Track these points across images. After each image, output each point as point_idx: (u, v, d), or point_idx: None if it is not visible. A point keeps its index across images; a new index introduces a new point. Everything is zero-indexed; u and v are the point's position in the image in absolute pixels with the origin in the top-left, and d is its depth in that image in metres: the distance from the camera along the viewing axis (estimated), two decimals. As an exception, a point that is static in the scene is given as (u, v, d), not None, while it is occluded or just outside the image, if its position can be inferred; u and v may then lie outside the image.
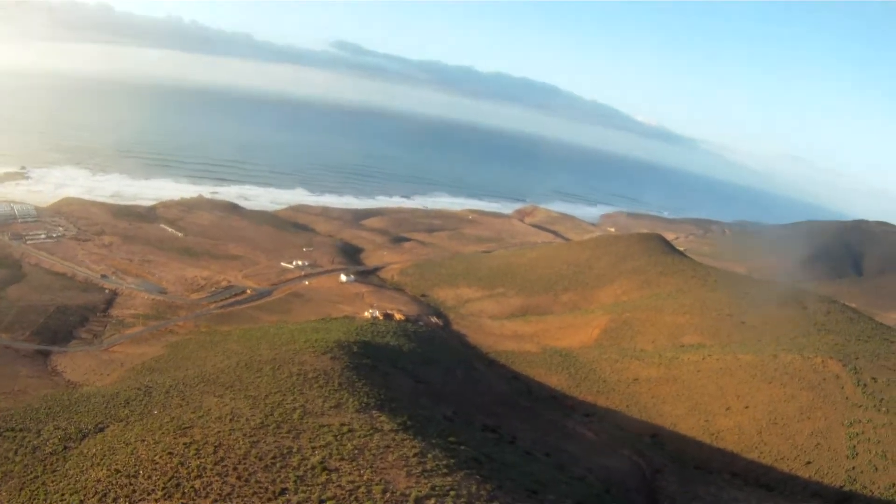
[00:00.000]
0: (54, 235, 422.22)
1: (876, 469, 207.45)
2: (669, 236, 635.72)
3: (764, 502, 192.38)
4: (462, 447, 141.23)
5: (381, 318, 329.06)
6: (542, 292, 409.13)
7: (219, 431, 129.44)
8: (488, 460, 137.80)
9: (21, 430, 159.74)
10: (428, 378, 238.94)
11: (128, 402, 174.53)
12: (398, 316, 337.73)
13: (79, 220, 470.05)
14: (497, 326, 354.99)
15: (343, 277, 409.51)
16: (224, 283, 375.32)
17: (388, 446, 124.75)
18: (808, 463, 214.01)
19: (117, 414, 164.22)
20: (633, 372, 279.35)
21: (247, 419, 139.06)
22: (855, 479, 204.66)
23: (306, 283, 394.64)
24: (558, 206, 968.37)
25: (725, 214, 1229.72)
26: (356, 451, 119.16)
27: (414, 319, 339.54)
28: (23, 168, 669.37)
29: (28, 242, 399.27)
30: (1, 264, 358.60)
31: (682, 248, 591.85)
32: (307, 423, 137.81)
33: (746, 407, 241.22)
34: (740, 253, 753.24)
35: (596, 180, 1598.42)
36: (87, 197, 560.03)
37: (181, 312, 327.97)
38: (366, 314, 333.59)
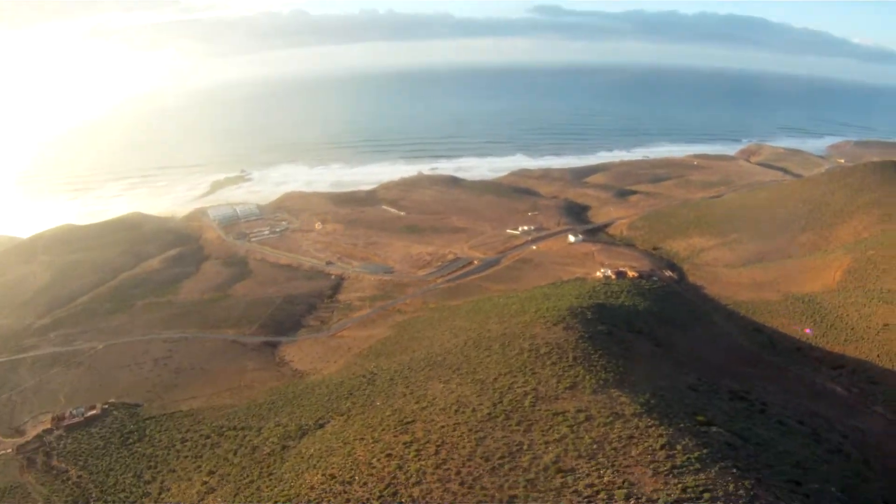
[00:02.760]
0: (277, 230, 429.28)
1: None
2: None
3: None
4: (713, 428, 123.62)
5: (613, 276, 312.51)
6: (778, 235, 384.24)
7: (442, 426, 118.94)
8: (742, 443, 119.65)
9: (243, 427, 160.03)
10: (667, 339, 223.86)
11: (351, 393, 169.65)
12: (631, 273, 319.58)
13: (301, 212, 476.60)
14: (734, 275, 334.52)
15: (571, 238, 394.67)
16: (450, 257, 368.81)
17: (630, 437, 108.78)
18: None
19: (339, 407, 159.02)
20: (882, 317, 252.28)
21: (473, 409, 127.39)
22: None
23: (533, 247, 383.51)
24: (783, 142, 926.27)
25: None
26: (595, 446, 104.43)
27: (647, 275, 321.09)
28: (243, 171, 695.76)
29: (252, 240, 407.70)
30: (227, 264, 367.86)
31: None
32: (539, 410, 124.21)
33: None
34: None
35: (818, 111, 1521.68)
36: (306, 190, 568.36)
37: (408, 290, 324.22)
38: (597, 274, 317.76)
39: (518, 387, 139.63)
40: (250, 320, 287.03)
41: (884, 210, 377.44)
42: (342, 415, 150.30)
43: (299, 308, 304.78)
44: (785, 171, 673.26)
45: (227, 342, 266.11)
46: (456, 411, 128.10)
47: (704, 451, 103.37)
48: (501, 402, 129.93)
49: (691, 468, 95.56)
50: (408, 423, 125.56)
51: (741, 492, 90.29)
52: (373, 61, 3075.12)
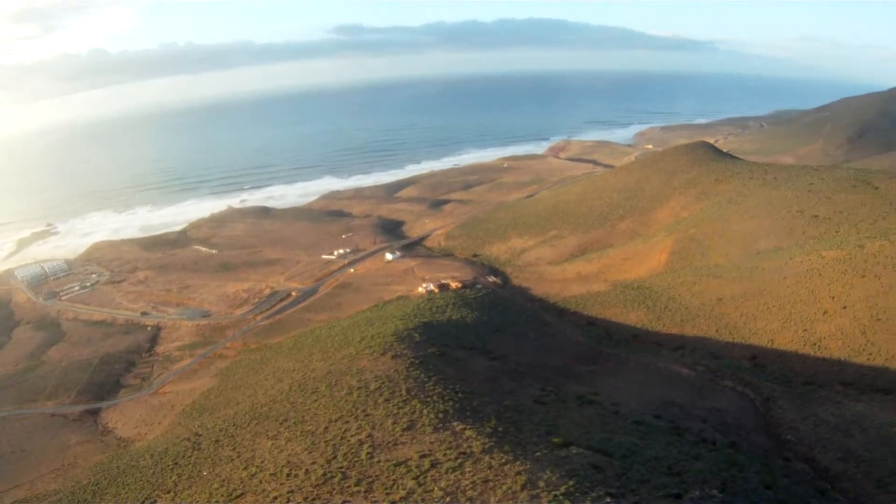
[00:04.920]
0: (88, 284, 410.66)
1: None
2: (709, 141, 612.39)
3: (891, 405, 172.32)
4: (573, 449, 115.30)
5: (436, 290, 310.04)
6: (597, 226, 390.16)
7: (275, 497, 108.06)
8: (607, 460, 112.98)
9: None
10: (501, 350, 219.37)
11: (176, 462, 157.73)
12: (454, 284, 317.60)
13: (111, 262, 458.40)
14: (559, 272, 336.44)
15: (388, 256, 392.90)
16: (267, 291, 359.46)
17: (486, 480, 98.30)
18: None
19: (165, 483, 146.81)
20: (713, 292, 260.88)
21: (306, 471, 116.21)
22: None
23: (351, 270, 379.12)
24: (591, 136, 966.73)
25: (758, 108, 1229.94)
26: (448, 499, 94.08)
27: (471, 284, 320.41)
28: (49, 225, 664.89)
29: (63, 298, 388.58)
30: (39, 327, 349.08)
31: (724, 151, 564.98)
32: (379, 463, 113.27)
33: (844, 307, 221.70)
34: (784, 144, 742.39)
35: (622, 102, 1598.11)
36: (115, 238, 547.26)
37: (228, 332, 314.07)
38: (420, 290, 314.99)
39: (351, 435, 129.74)
40: (68, 388, 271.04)
41: (699, 189, 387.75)
42: (168, 492, 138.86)
43: (118, 367, 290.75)
44: (595, 162, 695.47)
45: (47, 416, 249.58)
46: (288, 475, 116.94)
47: (570, 482, 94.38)
48: (336, 457, 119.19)
49: None
50: (237, 496, 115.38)
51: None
52: (177, 96, 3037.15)
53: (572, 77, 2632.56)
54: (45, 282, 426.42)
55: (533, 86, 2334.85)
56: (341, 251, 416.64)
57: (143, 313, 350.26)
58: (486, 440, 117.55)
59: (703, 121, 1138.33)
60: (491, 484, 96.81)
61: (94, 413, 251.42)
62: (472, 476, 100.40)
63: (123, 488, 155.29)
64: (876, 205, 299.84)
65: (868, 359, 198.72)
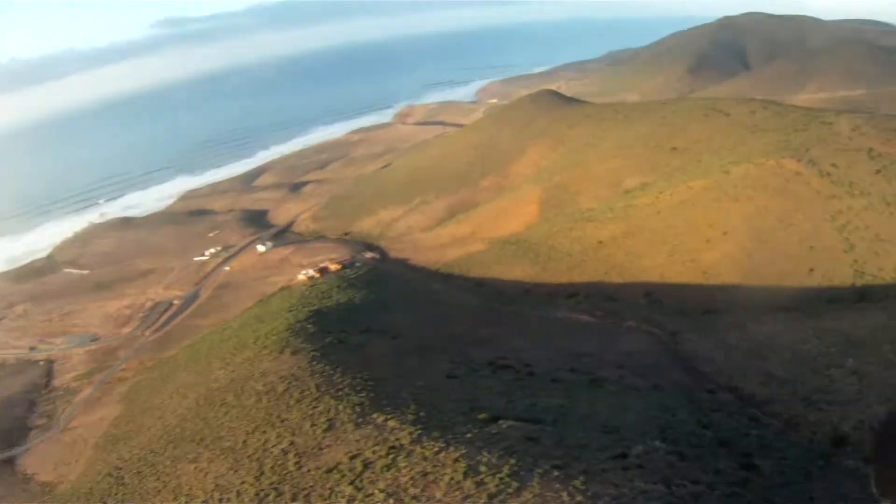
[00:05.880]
0: None
1: (877, 254, 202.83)
2: (551, 88, 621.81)
3: (795, 322, 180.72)
4: (503, 424, 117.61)
5: (317, 275, 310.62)
6: (461, 186, 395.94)
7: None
8: (539, 428, 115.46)
9: None
10: (398, 328, 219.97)
11: (105, 502, 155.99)
12: (333, 267, 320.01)
13: None
14: (433, 238, 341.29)
15: (260, 247, 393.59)
16: (149, 304, 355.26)
17: (425, 474, 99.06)
18: (812, 270, 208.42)
19: None
20: (592, 236, 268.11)
21: (238, 493, 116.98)
22: (863, 272, 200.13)
23: (227, 268, 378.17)
24: (433, 98, 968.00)
25: (594, 51, 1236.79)
26: (392, 500, 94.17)
27: (350, 263, 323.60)
28: None
29: None
30: None
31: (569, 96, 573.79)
32: (310, 472, 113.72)
33: (725, 233, 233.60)
34: (626, 82, 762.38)
35: (456, 61, 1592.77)
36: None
37: (120, 353, 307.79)
38: (300, 277, 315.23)
39: (273, 445, 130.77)
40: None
41: (553, 136, 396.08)
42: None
43: (20, 409, 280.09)
44: (444, 123, 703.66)
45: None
46: (220, 501, 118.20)
47: (511, 460, 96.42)
48: (263, 472, 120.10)
49: (510, 490, 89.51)
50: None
51: (579, 498, 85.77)
52: (3, 117, 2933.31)
53: (399, 43, 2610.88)
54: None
55: (363, 56, 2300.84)
56: (213, 250, 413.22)
57: (31, 348, 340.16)
58: (412, 429, 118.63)
59: (541, 69, 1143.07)
60: (431, 477, 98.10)
61: (10, 462, 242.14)
62: (410, 471, 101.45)
63: None
64: (731, 131, 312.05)
65: (760, 280, 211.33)
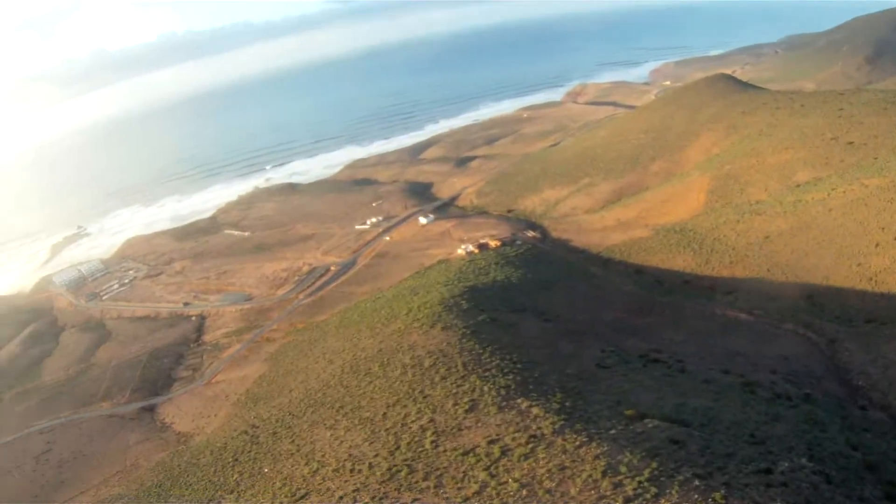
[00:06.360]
0: (126, 281, 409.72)
1: None
2: (727, 73, 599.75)
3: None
4: (649, 423, 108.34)
5: (476, 251, 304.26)
6: (629, 170, 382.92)
7: (341, 496, 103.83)
8: (686, 432, 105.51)
9: None
10: (553, 309, 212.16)
11: (236, 459, 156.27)
12: (493, 243, 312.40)
13: (146, 256, 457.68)
14: (597, 220, 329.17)
15: (422, 220, 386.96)
16: (306, 269, 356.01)
17: (562, 467, 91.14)
18: None
19: (227, 482, 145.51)
20: (759, 230, 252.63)
21: (370, 465, 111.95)
22: None
23: (387, 238, 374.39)
24: (605, 78, 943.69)
25: (770, 35, 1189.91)
26: (525, 492, 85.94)
27: (510, 241, 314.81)
28: (79, 227, 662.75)
29: (104, 298, 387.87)
30: (85, 329, 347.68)
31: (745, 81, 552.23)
32: (445, 452, 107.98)
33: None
34: (801, 69, 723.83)
35: (631, 41, 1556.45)
36: (147, 232, 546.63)
37: (273, 314, 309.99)
38: (459, 251, 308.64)
39: (412, 420, 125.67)
40: (121, 387, 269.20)
41: (727, 123, 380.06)
42: (231, 491, 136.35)
43: (168, 361, 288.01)
44: (615, 104, 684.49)
45: (104, 418, 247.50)
46: (351, 471, 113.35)
47: (653, 463, 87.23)
48: (399, 447, 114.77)
49: (647, 496, 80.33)
50: (301, 496, 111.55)
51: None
52: (183, 84, 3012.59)
53: (573, 20, 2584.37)
54: (84, 284, 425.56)
55: (535, 33, 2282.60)
56: (374, 220, 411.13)
57: (186, 304, 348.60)
58: (556, 418, 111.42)
59: (716, 52, 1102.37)
60: (568, 472, 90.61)
61: (151, 410, 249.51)
62: (547, 463, 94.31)
63: (187, 489, 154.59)
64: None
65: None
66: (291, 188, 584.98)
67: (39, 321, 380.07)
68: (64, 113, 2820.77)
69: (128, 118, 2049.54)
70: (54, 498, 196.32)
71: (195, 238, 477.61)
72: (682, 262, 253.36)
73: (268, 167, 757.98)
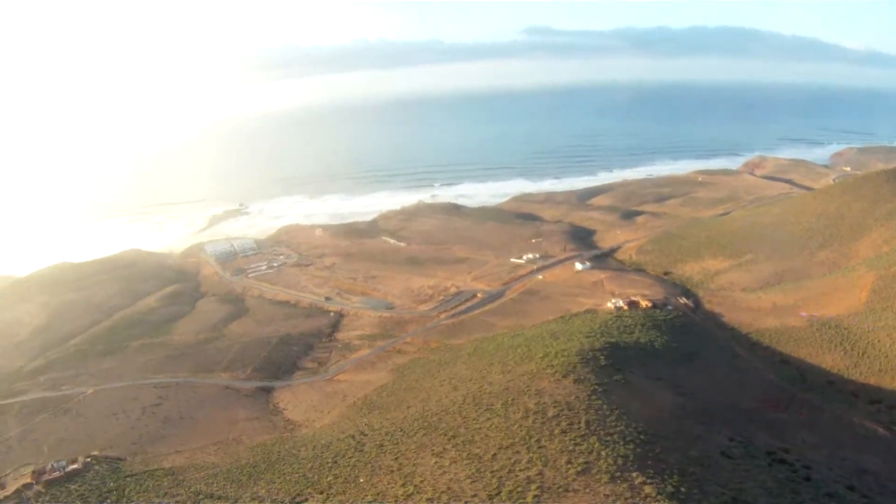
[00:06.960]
0: (275, 265, 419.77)
1: None
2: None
3: None
4: None
5: (625, 307, 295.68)
6: (796, 254, 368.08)
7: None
8: None
9: (219, 497, 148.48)
10: (690, 384, 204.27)
11: (336, 461, 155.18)
12: (644, 303, 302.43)
13: (299, 245, 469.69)
14: (753, 300, 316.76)
15: (578, 265, 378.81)
16: (453, 290, 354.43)
17: None
18: None
19: (320, 481, 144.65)
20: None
21: (466, 503, 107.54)
22: None
23: (539, 276, 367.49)
24: (785, 153, 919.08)
25: None
26: None
27: (661, 304, 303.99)
28: (241, 205, 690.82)
29: (250, 276, 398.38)
30: (224, 301, 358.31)
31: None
32: None
33: None
34: None
35: (817, 119, 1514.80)
36: (305, 222, 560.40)
37: (410, 327, 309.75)
38: (608, 305, 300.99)
39: (521, 469, 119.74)
40: (244, 363, 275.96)
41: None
42: (321, 492, 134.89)
43: (296, 348, 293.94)
44: (791, 182, 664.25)
45: (220, 388, 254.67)
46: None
47: None
48: (500, 493, 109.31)
49: None
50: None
51: None
52: (367, 90, 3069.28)
53: (764, 89, 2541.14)
54: (234, 258, 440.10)
55: (724, 97, 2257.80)
56: (530, 256, 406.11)
57: (327, 298, 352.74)
58: (667, 502, 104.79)
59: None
60: None
61: (267, 391, 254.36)
62: None
63: (278, 476, 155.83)
64: None
65: None
66: (455, 209, 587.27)
67: (183, 283, 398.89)
68: (249, 97, 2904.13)
69: (309, 113, 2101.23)
70: (149, 451, 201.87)
71: (351, 238, 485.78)
72: (830, 360, 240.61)
73: (436, 184, 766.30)
